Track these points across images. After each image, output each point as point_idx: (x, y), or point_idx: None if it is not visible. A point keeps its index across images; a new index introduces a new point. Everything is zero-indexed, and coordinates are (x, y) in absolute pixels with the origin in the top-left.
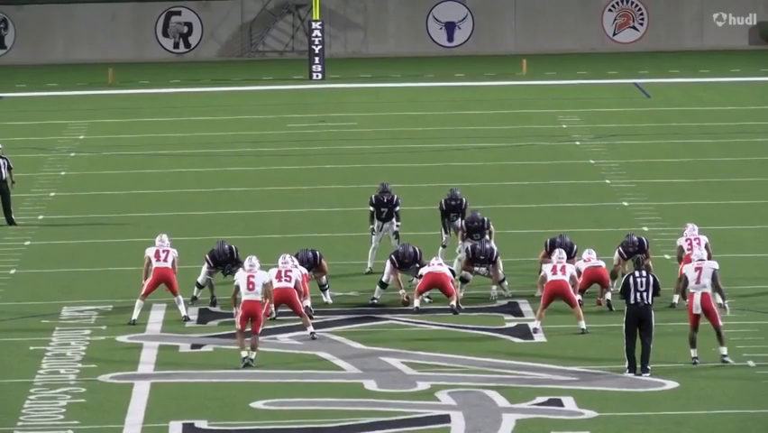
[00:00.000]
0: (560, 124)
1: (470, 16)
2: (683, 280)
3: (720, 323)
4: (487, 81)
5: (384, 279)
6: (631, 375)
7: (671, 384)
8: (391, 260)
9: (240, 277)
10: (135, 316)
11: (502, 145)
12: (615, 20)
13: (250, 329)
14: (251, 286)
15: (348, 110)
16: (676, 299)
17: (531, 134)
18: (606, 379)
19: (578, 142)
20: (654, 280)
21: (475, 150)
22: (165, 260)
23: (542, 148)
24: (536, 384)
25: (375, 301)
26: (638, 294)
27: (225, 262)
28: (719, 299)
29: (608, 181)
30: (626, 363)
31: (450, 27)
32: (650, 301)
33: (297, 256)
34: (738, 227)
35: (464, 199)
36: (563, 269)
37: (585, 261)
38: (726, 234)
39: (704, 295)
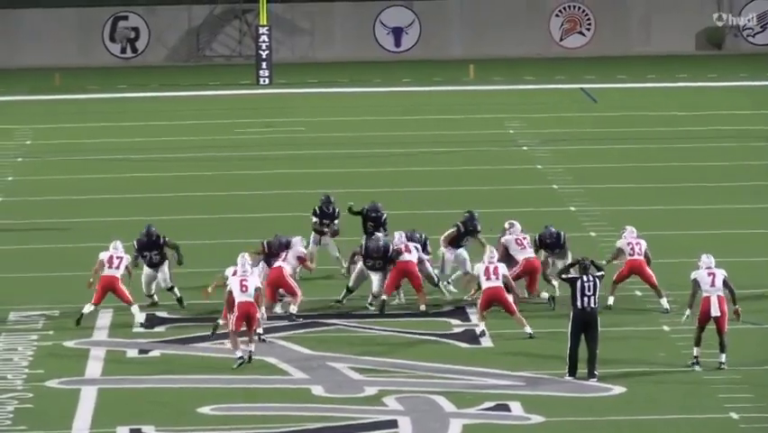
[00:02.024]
0: (507, 129)
1: (418, 21)
2: (693, 287)
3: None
4: (434, 86)
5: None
6: (571, 379)
7: (618, 389)
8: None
9: (232, 281)
10: (85, 311)
11: (449, 150)
12: (562, 25)
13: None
14: (244, 288)
15: (295, 115)
16: (688, 312)
17: (478, 140)
18: (553, 384)
19: (525, 148)
20: (596, 284)
21: (422, 155)
22: (117, 267)
23: (488, 153)
24: (483, 389)
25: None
26: (585, 298)
27: (151, 247)
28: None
29: (555, 186)
30: (567, 366)
31: (397, 32)
32: (596, 306)
33: (269, 244)
34: (684, 232)
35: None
36: (496, 271)
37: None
38: (670, 238)
39: (720, 298)
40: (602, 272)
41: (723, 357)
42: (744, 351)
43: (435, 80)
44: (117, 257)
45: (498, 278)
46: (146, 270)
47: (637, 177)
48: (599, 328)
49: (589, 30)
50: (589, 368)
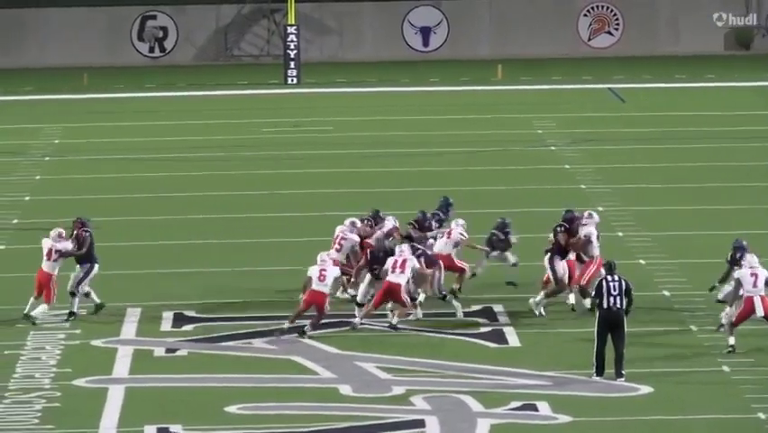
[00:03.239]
0: (535, 129)
1: (446, 21)
2: (736, 286)
3: None
4: (462, 86)
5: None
6: (599, 379)
7: (645, 389)
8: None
9: (313, 270)
10: (27, 310)
11: (477, 150)
12: (590, 25)
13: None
14: (321, 278)
15: (324, 115)
16: (726, 318)
17: (506, 139)
18: (580, 384)
19: (553, 148)
20: (627, 284)
21: (450, 154)
22: (55, 260)
23: (517, 153)
24: (511, 389)
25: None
26: (611, 298)
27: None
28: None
29: (583, 186)
30: (595, 367)
31: (425, 32)
32: (622, 306)
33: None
34: (711, 233)
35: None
36: (403, 265)
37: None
38: (697, 239)
39: (763, 298)
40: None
41: None
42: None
43: (463, 80)
44: (56, 250)
45: (402, 272)
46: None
47: (665, 177)
48: (626, 328)
49: (617, 30)
50: (617, 368)
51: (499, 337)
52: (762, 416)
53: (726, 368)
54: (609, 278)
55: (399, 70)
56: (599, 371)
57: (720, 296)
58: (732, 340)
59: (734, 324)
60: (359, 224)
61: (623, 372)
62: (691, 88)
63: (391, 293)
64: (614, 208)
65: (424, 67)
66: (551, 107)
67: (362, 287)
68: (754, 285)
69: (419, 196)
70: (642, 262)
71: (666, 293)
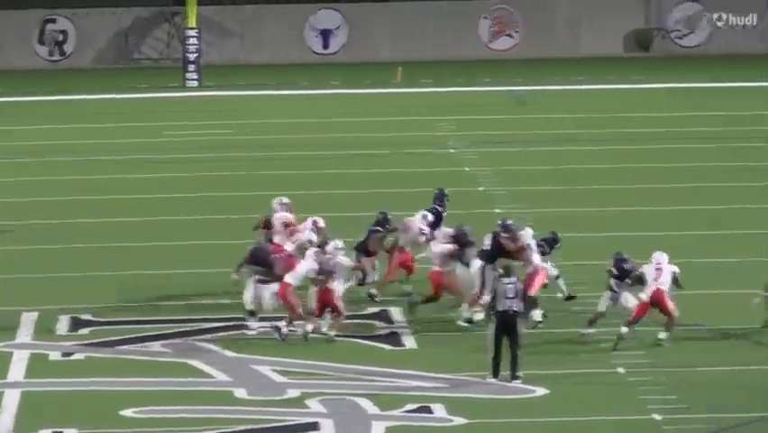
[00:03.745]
0: (435, 131)
1: (346, 24)
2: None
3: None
4: (362, 89)
5: None
6: (494, 381)
7: (541, 391)
8: None
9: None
10: None
11: (378, 153)
12: (490, 28)
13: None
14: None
15: (224, 118)
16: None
17: (406, 142)
18: (476, 386)
19: (452, 150)
20: (523, 287)
21: (351, 157)
22: None
23: (417, 155)
24: (406, 391)
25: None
26: (507, 301)
27: None
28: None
29: (482, 189)
30: (491, 369)
31: (326, 35)
32: (518, 309)
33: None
34: (608, 234)
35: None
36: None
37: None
38: (594, 241)
39: (664, 292)
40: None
41: (663, 335)
42: (668, 352)
43: (364, 83)
44: None
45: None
46: None
47: (564, 179)
48: (520, 331)
49: (517, 32)
50: (512, 370)
51: (395, 340)
52: (657, 417)
53: (621, 369)
54: (505, 280)
55: (300, 73)
56: (495, 373)
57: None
58: (624, 330)
59: (631, 321)
60: (321, 223)
61: (518, 374)
62: (591, 90)
63: (325, 299)
64: (513, 211)
65: (324, 69)
66: (451, 110)
67: (247, 293)
68: (656, 279)
69: (320, 198)
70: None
71: (560, 295)
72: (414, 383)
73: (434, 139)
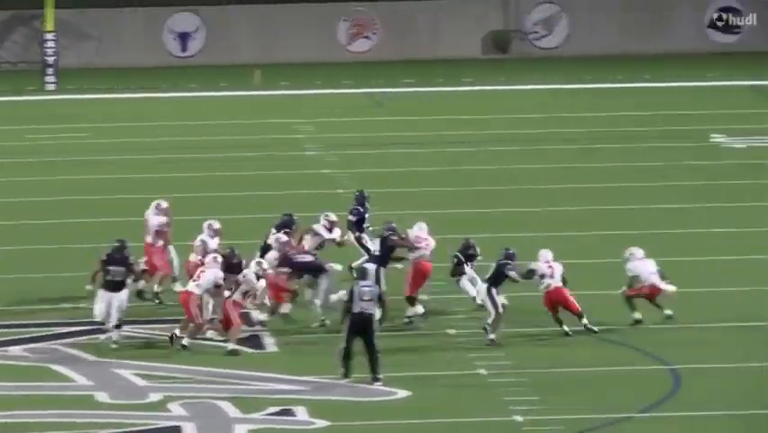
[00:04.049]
0: (294, 133)
1: (204, 27)
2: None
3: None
4: (221, 91)
5: None
6: (346, 382)
7: (403, 393)
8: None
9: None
10: None
11: (237, 155)
12: (349, 30)
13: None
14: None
15: (82, 121)
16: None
17: (265, 144)
18: (338, 389)
19: (311, 152)
20: (379, 290)
21: (211, 160)
22: None
23: (276, 158)
24: (268, 394)
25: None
26: (362, 304)
27: None
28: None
29: (340, 191)
30: (342, 370)
31: (184, 37)
32: (373, 312)
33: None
34: (466, 235)
35: None
36: (200, 275)
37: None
38: (450, 242)
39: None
40: None
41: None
42: (530, 353)
43: (222, 85)
44: None
45: (198, 281)
46: None
47: (422, 181)
48: (376, 333)
49: (375, 34)
50: (372, 372)
51: (257, 343)
52: (519, 418)
53: (483, 371)
54: (362, 283)
55: (158, 76)
56: (346, 373)
57: (479, 300)
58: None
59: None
60: (217, 225)
61: (379, 376)
62: (449, 92)
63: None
64: (371, 213)
65: (182, 72)
66: (310, 112)
67: (97, 305)
68: (552, 276)
69: (180, 202)
70: (399, 266)
71: (424, 297)
72: (276, 386)
73: (292, 141)
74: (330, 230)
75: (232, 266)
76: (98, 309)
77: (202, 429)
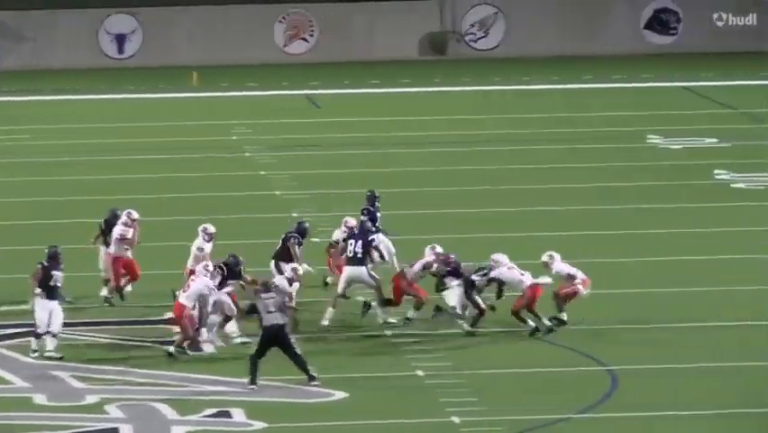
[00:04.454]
0: (231, 135)
1: (141, 28)
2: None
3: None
4: (158, 93)
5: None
6: (253, 387)
7: (340, 394)
8: None
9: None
10: None
11: (174, 157)
12: (285, 31)
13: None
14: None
15: (20, 123)
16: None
17: (202, 146)
18: (276, 390)
19: (248, 154)
20: (282, 298)
21: (148, 162)
22: None
23: (213, 160)
24: (206, 396)
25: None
26: (269, 316)
27: None
28: None
29: (278, 192)
30: (250, 376)
31: (120, 39)
32: (281, 321)
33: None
34: (407, 238)
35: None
36: (189, 286)
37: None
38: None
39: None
40: None
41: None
42: (468, 355)
43: (160, 87)
44: None
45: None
46: None
47: (360, 182)
48: (291, 337)
49: (312, 36)
50: (305, 373)
51: (195, 346)
52: (456, 420)
53: (420, 372)
54: (264, 295)
55: (95, 78)
56: (252, 380)
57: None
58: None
59: (527, 309)
60: (212, 229)
61: (314, 375)
62: (387, 94)
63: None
64: (309, 214)
65: (120, 74)
66: (247, 114)
67: (38, 313)
68: (522, 274)
69: (120, 204)
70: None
71: (360, 298)
72: (213, 388)
73: (230, 143)
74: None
75: (233, 273)
76: (39, 317)
77: (139, 431)
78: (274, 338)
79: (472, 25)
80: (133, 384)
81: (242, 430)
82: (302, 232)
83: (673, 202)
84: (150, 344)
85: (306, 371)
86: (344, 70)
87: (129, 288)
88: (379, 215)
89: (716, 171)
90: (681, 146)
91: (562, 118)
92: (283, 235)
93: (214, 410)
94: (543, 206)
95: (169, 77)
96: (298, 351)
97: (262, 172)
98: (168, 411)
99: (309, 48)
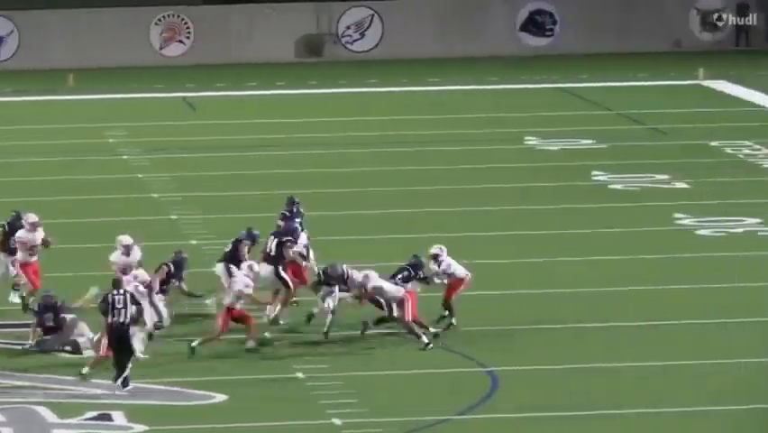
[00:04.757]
0: (106, 138)
1: (17, 30)
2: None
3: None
4: (33, 96)
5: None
6: (126, 390)
7: (220, 397)
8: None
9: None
10: None
11: (48, 159)
12: (162, 33)
13: None
14: None
15: None
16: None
17: (78, 149)
18: (156, 393)
19: (125, 156)
20: (132, 297)
21: (21, 165)
22: None
23: (88, 162)
24: (86, 399)
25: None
26: (116, 312)
27: None
28: None
29: (155, 195)
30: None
31: None
32: (126, 319)
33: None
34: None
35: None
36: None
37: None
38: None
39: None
40: None
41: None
42: (348, 356)
43: (34, 89)
44: None
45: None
46: None
47: (237, 184)
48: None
49: (188, 38)
50: (120, 378)
51: (75, 347)
52: (337, 422)
53: (300, 375)
54: (115, 291)
55: None
56: (122, 382)
57: None
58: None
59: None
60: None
61: (126, 379)
62: (263, 96)
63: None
64: (187, 216)
65: None
66: (123, 116)
67: None
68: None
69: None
70: (215, 270)
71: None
72: (93, 391)
73: (106, 146)
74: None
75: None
76: None
77: None
78: (118, 337)
79: (348, 27)
80: (13, 387)
81: None
82: (252, 237)
83: (552, 203)
84: (28, 347)
85: (122, 375)
86: (220, 72)
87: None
88: (299, 220)
89: (593, 173)
90: (558, 147)
91: (447, 120)
92: (234, 239)
93: (94, 413)
94: (410, 208)
95: (45, 79)
96: (132, 356)
97: (139, 175)
98: (48, 414)
99: (185, 50)
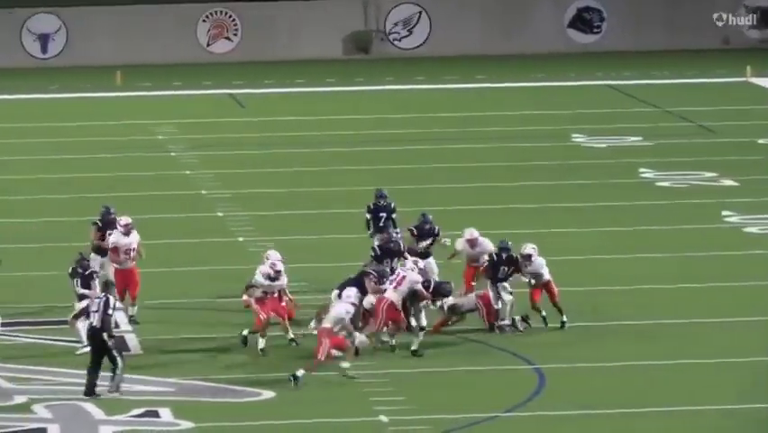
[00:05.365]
0: (155, 135)
1: (64, 27)
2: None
3: None
4: (82, 93)
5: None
6: (88, 399)
7: (268, 394)
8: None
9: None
10: None
11: (100, 156)
12: (209, 30)
13: None
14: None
15: None
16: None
17: (127, 146)
18: (203, 390)
19: (173, 153)
20: (107, 300)
21: (72, 161)
22: None
23: (138, 159)
24: (133, 396)
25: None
26: (93, 316)
27: None
28: None
29: (203, 192)
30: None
31: (44, 39)
32: (97, 324)
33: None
34: (336, 236)
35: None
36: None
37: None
38: (318, 244)
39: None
40: None
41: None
42: (395, 354)
43: (83, 87)
44: None
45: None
46: None
47: (285, 182)
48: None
49: (236, 35)
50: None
51: (121, 344)
52: (384, 418)
53: (348, 372)
54: (99, 294)
55: (18, 78)
56: (89, 391)
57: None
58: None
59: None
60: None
61: (94, 392)
62: (311, 93)
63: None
64: (233, 213)
65: (43, 74)
66: (171, 113)
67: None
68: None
69: (54, 204)
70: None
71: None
72: (140, 388)
73: (154, 142)
74: None
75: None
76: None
77: (66, 431)
78: (94, 342)
79: (396, 24)
80: (61, 384)
81: (170, 430)
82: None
83: (599, 201)
84: (76, 344)
85: (114, 381)
86: (268, 70)
87: None
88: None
89: (641, 170)
90: (606, 144)
91: (491, 117)
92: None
93: (141, 410)
94: (470, 205)
95: (93, 76)
96: (118, 362)
97: (187, 172)
98: (95, 411)
99: (233, 47)
